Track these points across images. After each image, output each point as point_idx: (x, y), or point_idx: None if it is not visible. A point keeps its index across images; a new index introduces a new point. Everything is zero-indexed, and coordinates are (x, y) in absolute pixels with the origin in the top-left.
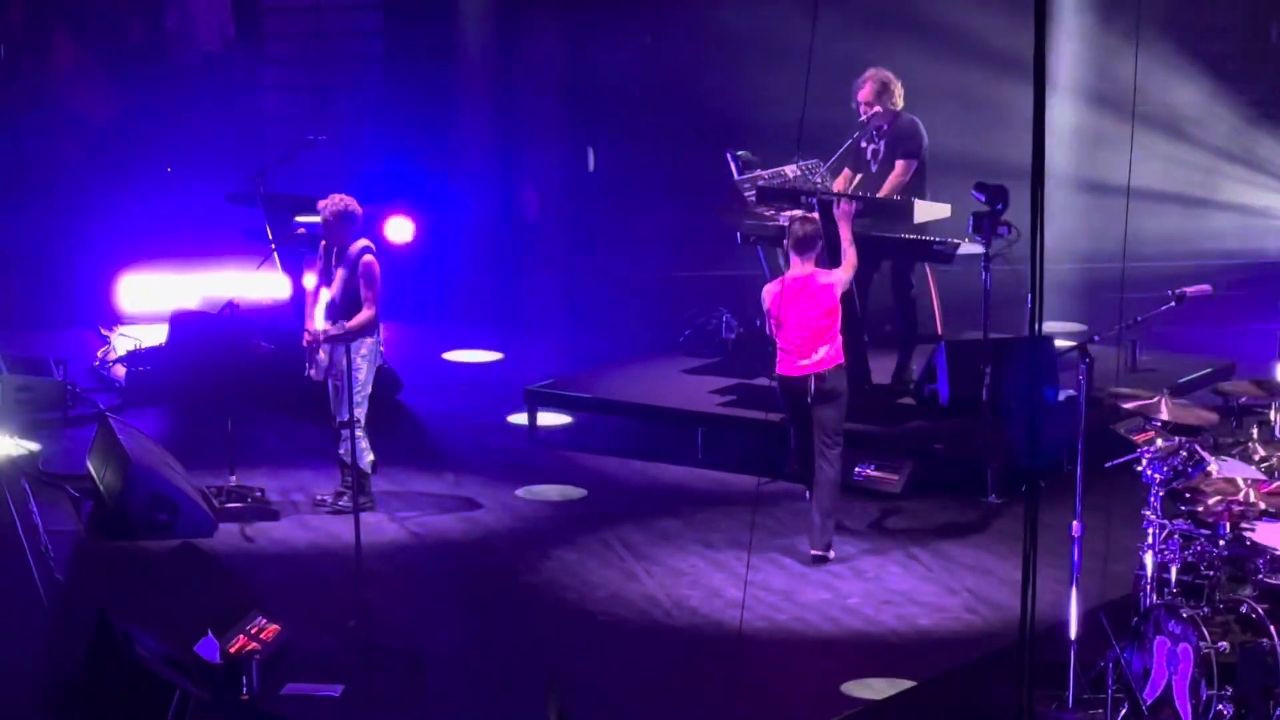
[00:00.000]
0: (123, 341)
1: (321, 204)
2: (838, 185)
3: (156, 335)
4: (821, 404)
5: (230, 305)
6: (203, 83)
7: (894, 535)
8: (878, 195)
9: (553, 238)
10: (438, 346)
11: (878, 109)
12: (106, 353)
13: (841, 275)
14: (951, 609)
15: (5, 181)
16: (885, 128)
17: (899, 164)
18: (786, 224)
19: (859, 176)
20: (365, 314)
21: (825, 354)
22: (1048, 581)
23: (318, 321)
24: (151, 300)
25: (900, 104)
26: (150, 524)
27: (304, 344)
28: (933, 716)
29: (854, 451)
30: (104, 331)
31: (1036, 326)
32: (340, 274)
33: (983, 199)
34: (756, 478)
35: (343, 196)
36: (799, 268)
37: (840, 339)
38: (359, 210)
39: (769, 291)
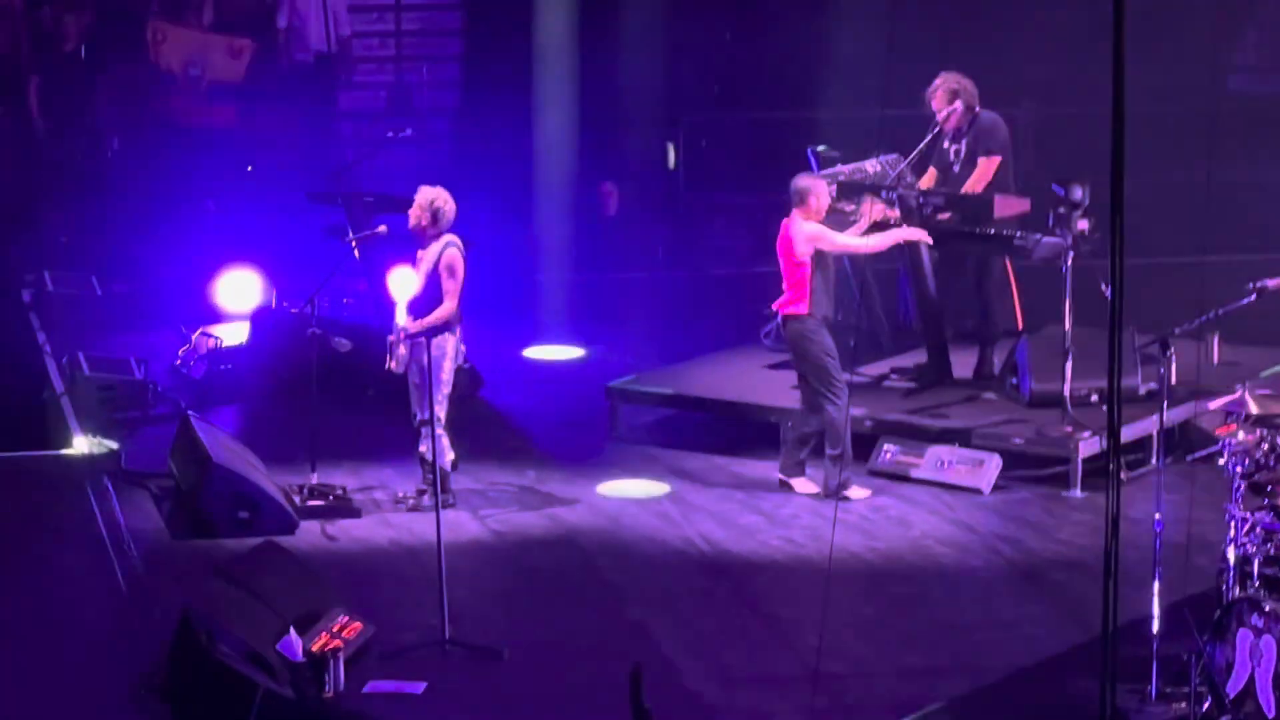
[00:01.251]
0: (204, 340)
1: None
2: (924, 184)
3: (237, 334)
4: (791, 352)
5: (310, 304)
6: (307, 82)
7: (976, 530)
8: (963, 192)
9: (633, 234)
10: (519, 343)
11: (952, 111)
12: (188, 352)
13: (813, 229)
14: (1034, 602)
15: (88, 181)
16: (965, 129)
17: (982, 161)
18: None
19: (944, 177)
20: (445, 308)
21: (784, 299)
22: (1129, 575)
23: (400, 317)
24: (232, 299)
25: (975, 103)
26: (231, 522)
27: (388, 339)
28: (1016, 711)
29: (934, 445)
30: (185, 330)
31: (1117, 320)
32: (425, 269)
33: (1063, 193)
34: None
35: (430, 191)
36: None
37: (806, 292)
38: (446, 206)
39: (791, 233)
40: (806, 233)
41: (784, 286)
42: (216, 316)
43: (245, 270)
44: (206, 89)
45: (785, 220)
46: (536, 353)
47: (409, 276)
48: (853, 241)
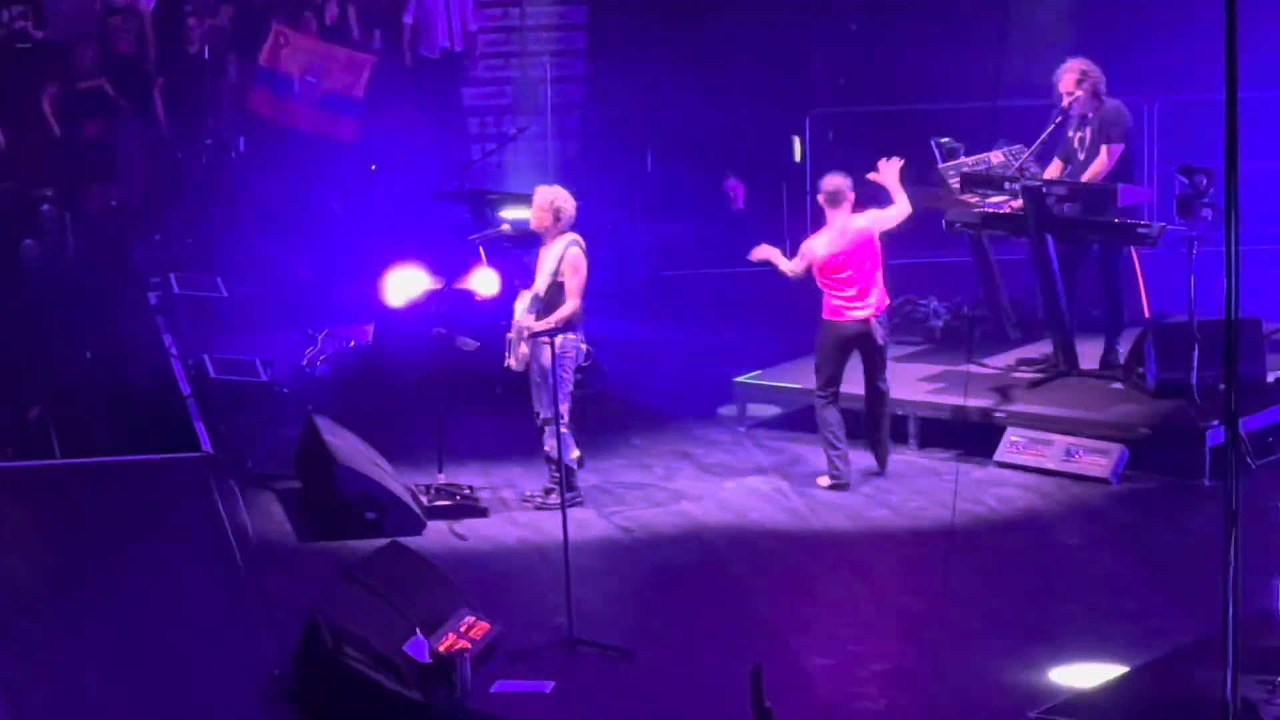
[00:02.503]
0: (329, 341)
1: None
2: (1049, 174)
3: (363, 335)
4: (880, 345)
5: (435, 302)
6: (432, 79)
7: (1104, 520)
8: (1084, 179)
9: (759, 228)
10: (644, 339)
11: (1079, 95)
12: (314, 353)
13: (878, 217)
14: (1162, 592)
15: (213, 183)
16: (1090, 115)
17: (1104, 149)
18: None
19: (1069, 167)
20: (568, 307)
21: (880, 296)
22: (1259, 565)
23: (519, 314)
24: (359, 300)
25: (1102, 89)
26: (358, 523)
27: (507, 336)
28: (1143, 702)
29: (1061, 435)
30: (311, 332)
31: (1233, 308)
32: (548, 267)
33: (1187, 181)
34: (964, 464)
35: (550, 189)
36: (838, 221)
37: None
38: (566, 204)
39: (819, 243)
40: (882, 222)
41: (869, 287)
42: (340, 317)
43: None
44: (321, 99)
45: (849, 224)
46: (662, 348)
47: (489, 276)
48: (892, 213)
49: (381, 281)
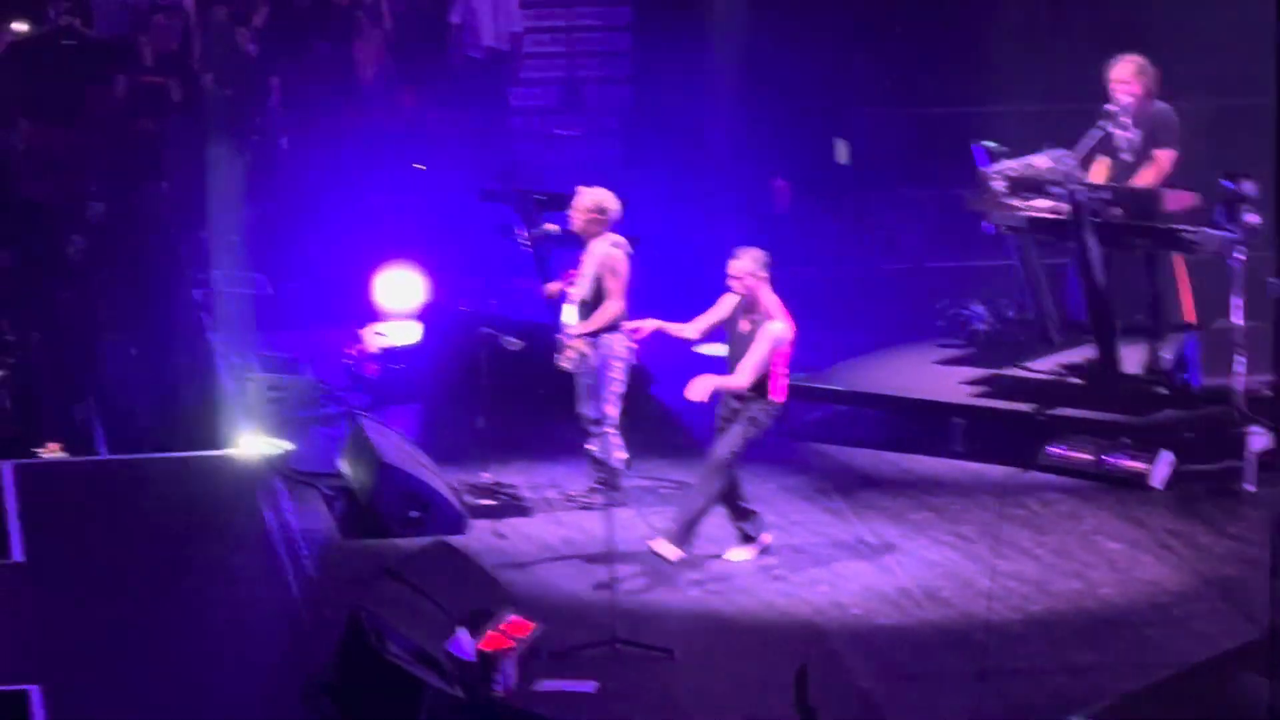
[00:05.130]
0: (375, 339)
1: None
2: (1094, 175)
3: (408, 333)
4: None
5: (478, 302)
6: (479, 79)
7: (1147, 525)
8: (1135, 185)
9: (804, 230)
10: (690, 340)
11: (1134, 91)
12: (359, 350)
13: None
14: (1205, 598)
15: (258, 180)
16: (1137, 115)
17: (1159, 155)
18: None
19: (1113, 165)
20: (611, 308)
21: None
22: None
23: (567, 317)
24: (403, 298)
25: (1155, 90)
26: (402, 522)
27: (558, 336)
28: (1185, 708)
29: (1103, 439)
30: (356, 329)
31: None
32: (590, 270)
33: (1233, 187)
34: (1007, 468)
35: (593, 190)
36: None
37: None
38: (610, 204)
39: (783, 326)
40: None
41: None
42: (387, 315)
43: (406, 268)
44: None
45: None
46: (708, 349)
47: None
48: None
49: (376, 284)
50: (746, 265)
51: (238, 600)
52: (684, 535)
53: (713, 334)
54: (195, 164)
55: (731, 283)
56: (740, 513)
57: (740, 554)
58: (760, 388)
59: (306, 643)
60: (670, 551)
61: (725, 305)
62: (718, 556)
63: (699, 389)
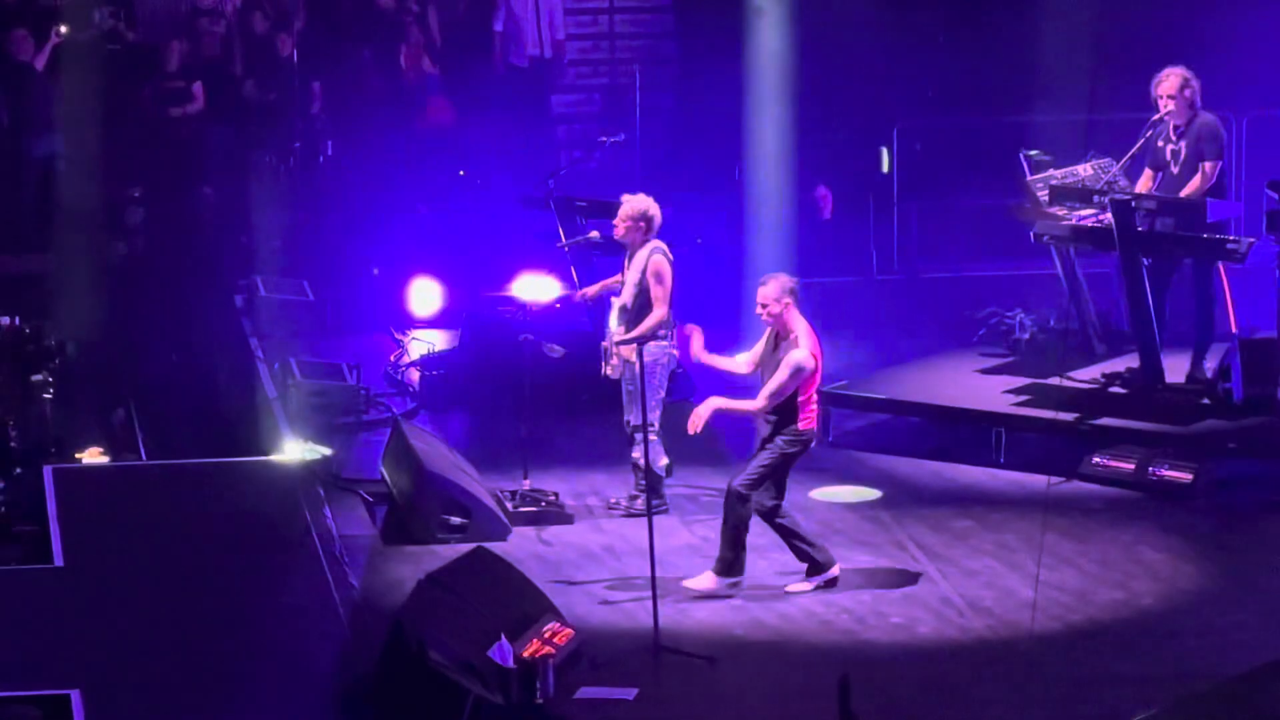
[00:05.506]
0: (416, 346)
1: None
2: (1140, 186)
3: (450, 339)
4: None
5: (521, 309)
6: (522, 86)
7: (1188, 535)
8: (1180, 196)
9: (847, 238)
10: (733, 348)
11: (1179, 102)
12: (400, 357)
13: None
14: (1247, 608)
15: (300, 186)
16: (1182, 127)
17: (1205, 166)
18: None
19: (1160, 176)
20: (655, 315)
21: None
22: None
23: (612, 324)
24: (445, 304)
25: (1199, 101)
26: (444, 528)
27: (603, 344)
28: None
29: (1146, 449)
30: (397, 335)
31: None
32: (633, 277)
33: (1276, 197)
34: (1049, 477)
35: (637, 198)
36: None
37: None
38: (654, 212)
39: (809, 355)
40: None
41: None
42: (427, 321)
43: (428, 279)
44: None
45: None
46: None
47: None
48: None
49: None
50: (772, 292)
51: (279, 607)
52: (726, 568)
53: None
54: (238, 169)
55: (759, 310)
56: (802, 554)
57: (800, 586)
58: (788, 416)
59: (348, 650)
60: (707, 583)
61: (766, 336)
62: (760, 568)
63: (699, 413)
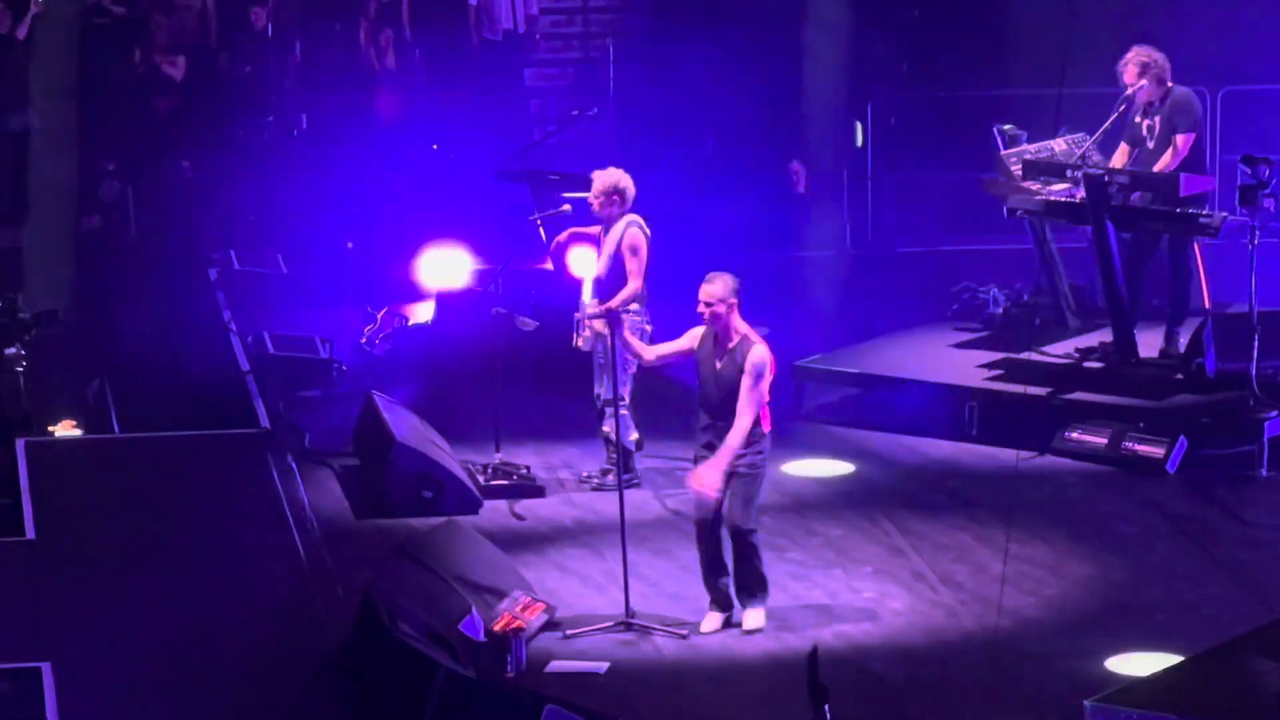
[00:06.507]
0: (389, 319)
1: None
2: (1116, 161)
3: (422, 313)
4: None
5: (491, 282)
6: (495, 60)
7: (1158, 510)
8: (1153, 170)
9: (821, 212)
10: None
11: (1144, 85)
12: (373, 330)
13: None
14: (1218, 582)
15: (274, 160)
16: (1157, 103)
17: (1177, 139)
18: None
19: (1136, 152)
20: (629, 288)
21: None
22: None
23: (586, 297)
24: (417, 278)
25: (1167, 78)
26: (415, 501)
27: (575, 316)
28: (1198, 692)
29: (1118, 424)
30: (370, 309)
31: None
32: (608, 250)
33: (1249, 171)
34: (1022, 452)
35: (609, 171)
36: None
37: None
38: (626, 184)
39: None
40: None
41: None
42: (400, 295)
43: (451, 247)
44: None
45: None
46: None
47: (589, 255)
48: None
49: (420, 263)
50: (720, 291)
51: (250, 579)
52: (764, 591)
53: (670, 367)
54: (213, 143)
55: (703, 310)
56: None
57: (711, 623)
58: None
59: (319, 622)
60: (756, 620)
61: (692, 338)
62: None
63: (709, 481)
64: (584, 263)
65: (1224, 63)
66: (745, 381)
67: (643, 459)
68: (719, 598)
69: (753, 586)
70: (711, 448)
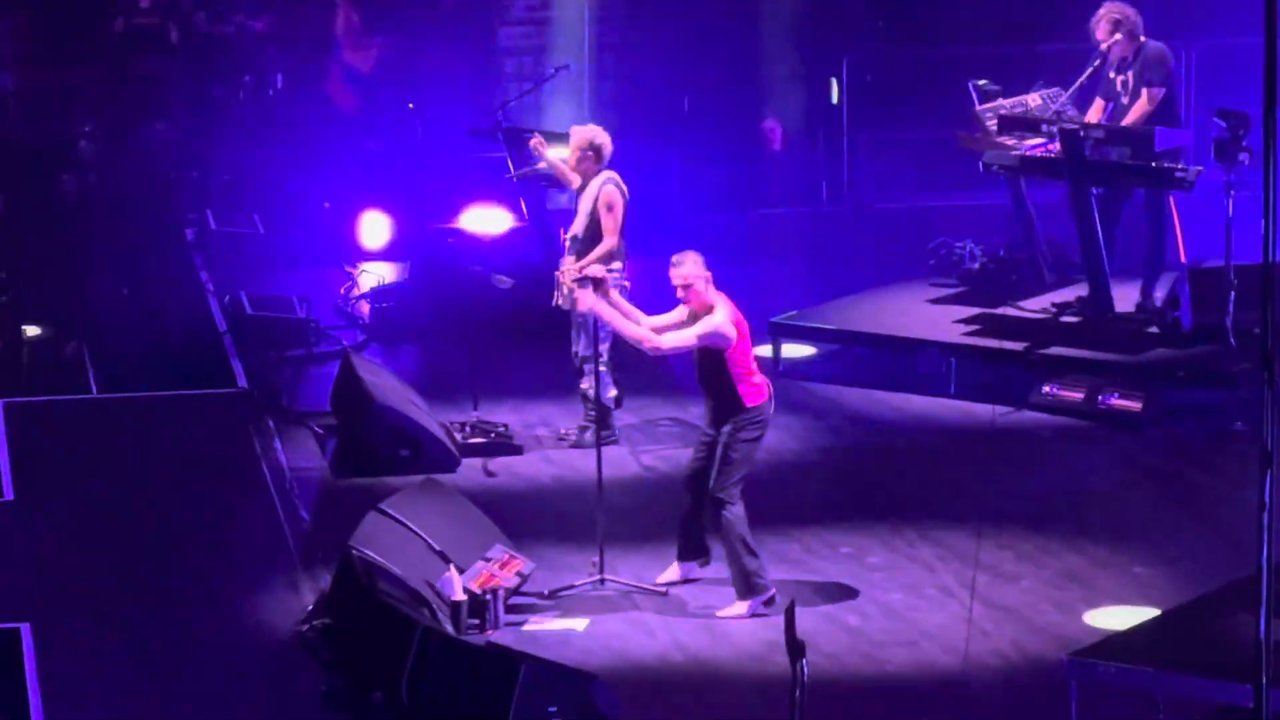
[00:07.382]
0: (366, 278)
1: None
2: (1091, 116)
3: (399, 271)
4: None
5: (467, 239)
6: (469, 19)
7: (1137, 463)
8: (1125, 123)
9: (796, 169)
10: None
11: (1117, 40)
12: (350, 289)
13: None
14: (1197, 536)
15: (251, 120)
16: (1130, 59)
17: (1145, 93)
18: None
19: (1110, 107)
20: (605, 244)
21: None
22: None
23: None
24: (394, 236)
25: (1140, 33)
26: (393, 460)
27: (555, 274)
28: (1177, 645)
29: (1095, 379)
30: (348, 268)
31: (1270, 252)
32: (585, 206)
33: (1225, 126)
34: (999, 407)
35: (586, 128)
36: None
37: None
38: (602, 140)
39: (727, 319)
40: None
41: None
42: (376, 254)
43: (397, 207)
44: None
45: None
46: None
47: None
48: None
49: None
50: (692, 270)
51: (229, 538)
52: (746, 589)
53: None
54: (190, 103)
55: (681, 294)
56: (691, 540)
57: (670, 574)
58: (727, 400)
59: (298, 581)
60: (740, 610)
61: (680, 314)
62: None
63: (581, 295)
64: (485, 222)
65: (1199, 17)
66: (693, 325)
67: (621, 416)
68: (681, 548)
69: (731, 569)
70: (710, 423)
